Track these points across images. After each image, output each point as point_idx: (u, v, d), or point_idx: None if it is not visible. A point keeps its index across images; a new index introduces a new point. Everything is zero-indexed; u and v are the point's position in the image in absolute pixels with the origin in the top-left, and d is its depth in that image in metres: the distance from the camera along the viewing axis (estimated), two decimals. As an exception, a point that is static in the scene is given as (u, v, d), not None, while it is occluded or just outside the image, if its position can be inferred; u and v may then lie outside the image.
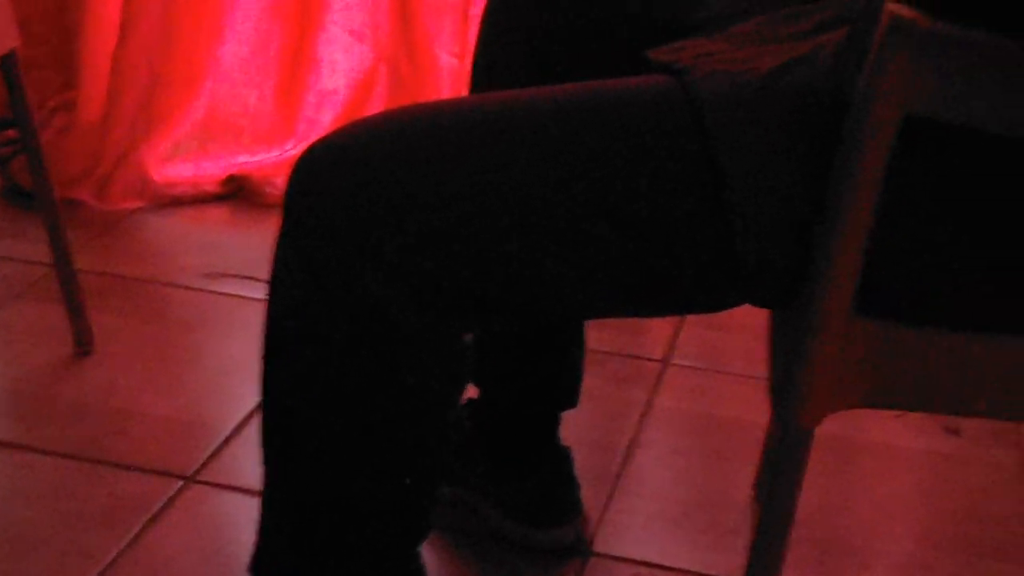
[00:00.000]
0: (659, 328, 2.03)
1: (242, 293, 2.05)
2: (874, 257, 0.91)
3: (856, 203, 0.88)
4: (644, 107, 0.94)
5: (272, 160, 2.41)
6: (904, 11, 0.82)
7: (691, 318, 2.05)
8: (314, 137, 1.05)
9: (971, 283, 0.93)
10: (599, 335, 1.84)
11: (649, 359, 1.95)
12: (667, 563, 1.49)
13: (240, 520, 1.49)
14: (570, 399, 1.46)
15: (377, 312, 0.92)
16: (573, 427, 1.52)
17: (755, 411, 1.66)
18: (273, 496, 1.03)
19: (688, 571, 1.48)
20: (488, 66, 1.31)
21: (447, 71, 2.32)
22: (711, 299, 0.97)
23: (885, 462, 1.75)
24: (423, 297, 0.92)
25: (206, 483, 1.57)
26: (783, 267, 0.92)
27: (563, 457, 1.47)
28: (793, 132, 0.91)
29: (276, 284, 0.96)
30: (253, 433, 1.64)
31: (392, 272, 0.90)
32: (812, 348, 0.92)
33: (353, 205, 0.91)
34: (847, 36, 0.94)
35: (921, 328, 0.95)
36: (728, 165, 0.89)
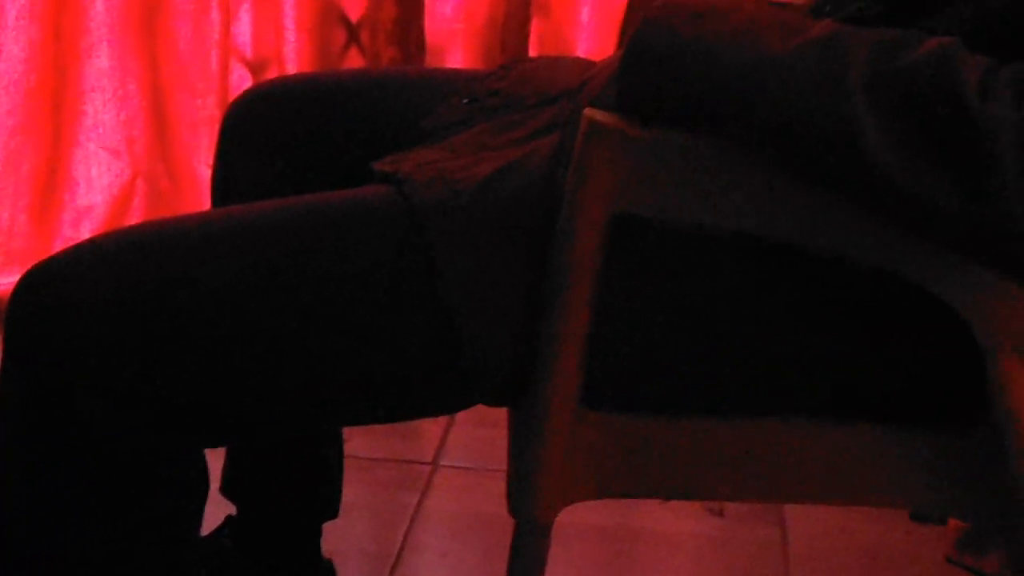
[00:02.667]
0: (429, 430, 2.03)
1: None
2: (597, 350, 0.94)
3: (572, 300, 0.91)
4: (366, 218, 0.96)
5: (29, 281, 2.34)
6: (600, 115, 0.86)
7: (460, 417, 2.06)
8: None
9: (692, 370, 0.97)
10: (367, 441, 1.83)
11: (419, 462, 1.95)
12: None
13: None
14: (330, 509, 1.45)
15: (103, 436, 0.90)
16: (343, 537, 1.50)
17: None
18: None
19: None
20: (226, 180, 1.31)
21: (207, 184, 2.30)
22: (443, 401, 0.98)
23: (654, 548, 1.78)
24: (152, 418, 0.91)
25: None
26: (509, 366, 0.94)
27: (325, 570, 1.45)
28: (510, 235, 0.94)
29: None
30: None
31: (116, 395, 0.89)
32: (541, 442, 0.94)
33: (74, 328, 0.90)
34: (558, 140, 0.98)
35: (649, 417, 0.98)
36: (447, 270, 0.92)
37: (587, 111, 0.87)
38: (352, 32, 2.19)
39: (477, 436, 2.02)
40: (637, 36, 0.87)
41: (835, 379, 0.98)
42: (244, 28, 2.22)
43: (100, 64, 2.26)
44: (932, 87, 0.78)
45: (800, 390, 0.98)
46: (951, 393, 0.98)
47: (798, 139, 0.82)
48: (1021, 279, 0.81)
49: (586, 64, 1.20)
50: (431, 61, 2.17)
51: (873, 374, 0.97)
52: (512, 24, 2.18)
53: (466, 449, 1.99)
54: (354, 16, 2.18)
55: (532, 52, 2.20)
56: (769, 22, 0.86)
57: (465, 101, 1.18)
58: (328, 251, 0.94)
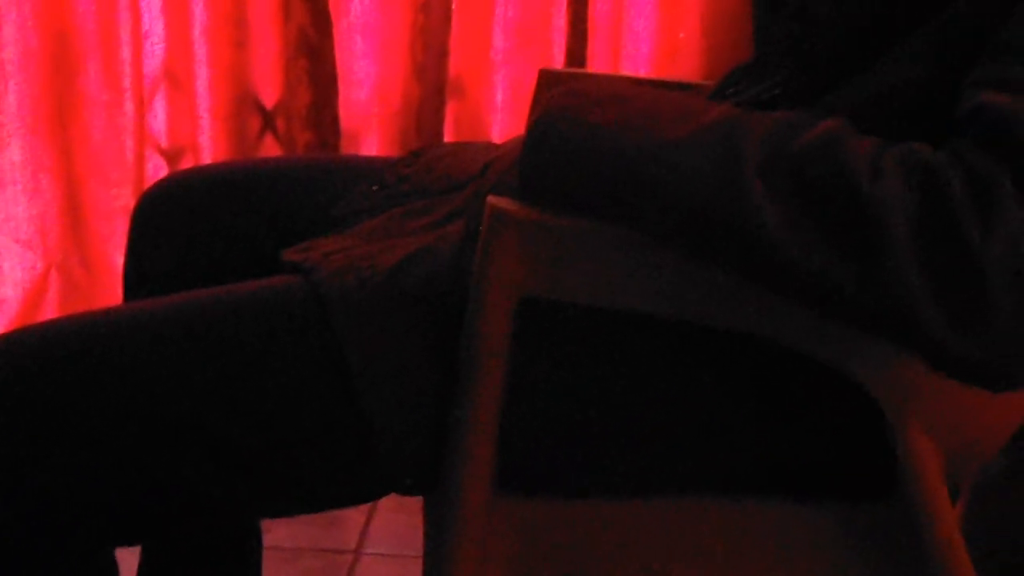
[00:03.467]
0: (351, 517, 2.01)
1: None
2: (511, 434, 0.94)
3: (482, 386, 0.91)
4: (275, 309, 0.95)
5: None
6: (503, 203, 0.87)
7: (382, 503, 2.05)
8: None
9: (605, 451, 0.97)
10: (289, 531, 1.81)
11: (342, 551, 1.92)
12: None
13: None
14: (251, 602, 1.43)
15: (10, 540, 0.89)
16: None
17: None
18: None
19: None
20: (138, 270, 1.30)
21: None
22: (358, 491, 0.97)
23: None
24: (58, 518, 0.89)
25: None
26: (420, 455, 0.94)
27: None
28: (420, 324, 0.94)
29: None
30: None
31: (18, 494, 0.88)
32: (454, 530, 0.94)
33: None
34: (465, 226, 0.98)
35: (564, 501, 0.98)
36: (356, 361, 0.91)
37: (490, 198, 0.88)
38: (267, 118, 2.20)
39: (400, 522, 2.01)
40: (538, 123, 0.88)
41: (748, 455, 0.98)
42: (159, 117, 2.22)
43: (12, 157, 2.24)
44: (824, 170, 0.80)
45: (713, 467, 0.98)
46: (864, 466, 0.99)
47: (697, 223, 0.83)
48: (919, 354, 0.82)
49: (495, 149, 1.21)
50: (346, 146, 2.18)
51: (785, 449, 0.98)
52: (427, 107, 2.19)
53: (389, 536, 1.97)
54: (269, 103, 2.19)
55: (448, 134, 2.22)
56: (668, 108, 0.87)
57: (375, 188, 1.18)
58: (237, 345, 0.93)
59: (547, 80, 1.33)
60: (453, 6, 2.14)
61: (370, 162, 1.27)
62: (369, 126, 2.21)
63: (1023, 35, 0.84)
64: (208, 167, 1.38)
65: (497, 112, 2.23)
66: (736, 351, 0.95)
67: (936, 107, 0.88)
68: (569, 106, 0.88)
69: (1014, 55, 0.83)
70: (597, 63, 2.21)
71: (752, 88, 1.06)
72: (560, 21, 2.18)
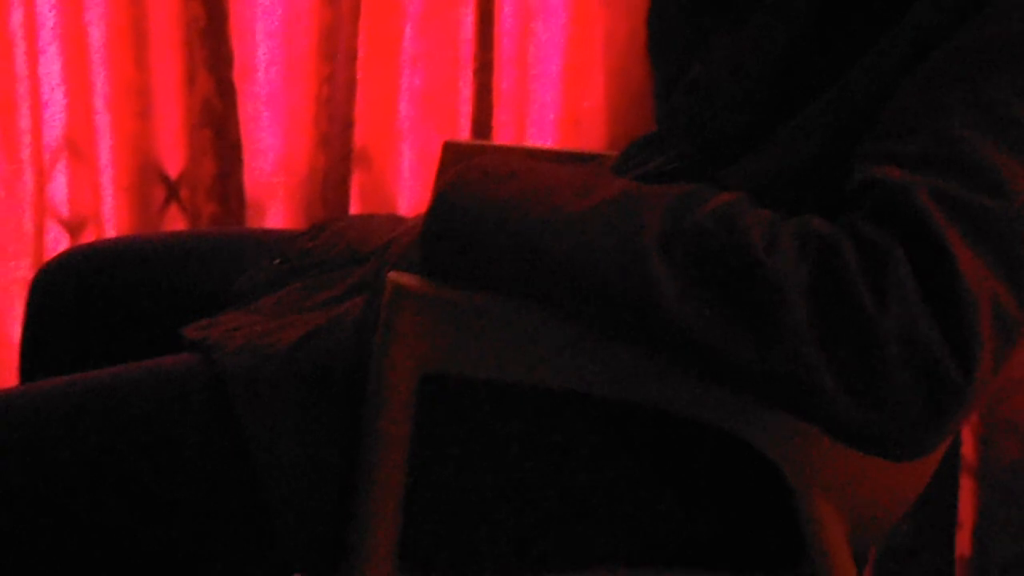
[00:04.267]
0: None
1: None
2: (415, 512, 0.93)
3: (385, 464, 0.90)
4: (174, 390, 0.94)
5: None
6: (404, 279, 0.87)
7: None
8: None
9: (507, 526, 0.97)
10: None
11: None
12: None
13: None
14: None
15: None
16: None
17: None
18: None
19: None
20: (36, 345, 1.28)
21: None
22: (258, 573, 0.95)
23: None
24: None
25: None
26: (323, 535, 0.92)
27: None
28: (320, 401, 0.93)
29: None
30: None
31: None
32: (359, 612, 0.92)
33: None
34: (367, 302, 0.98)
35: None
36: (256, 441, 0.90)
37: (391, 274, 0.87)
38: (171, 189, 2.18)
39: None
40: (438, 199, 0.88)
41: (654, 528, 0.98)
42: (60, 188, 2.19)
43: (-93, 231, 2.20)
44: (721, 243, 0.81)
45: (619, 541, 0.98)
46: (774, 535, 1.00)
47: (597, 297, 0.84)
48: (819, 425, 0.83)
49: (398, 221, 1.21)
50: (252, 216, 2.16)
51: (689, 520, 0.98)
52: (333, 177, 2.19)
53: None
54: (173, 173, 2.17)
55: (354, 205, 2.22)
56: (568, 183, 0.88)
57: (277, 262, 1.18)
58: (135, 428, 0.92)
59: (451, 152, 1.34)
60: (358, 76, 2.15)
61: (273, 235, 1.26)
62: (274, 196, 2.20)
63: (911, 109, 0.86)
64: (109, 241, 1.36)
65: (404, 181, 2.23)
66: (642, 423, 0.95)
67: (830, 180, 0.89)
68: (469, 182, 0.88)
69: (903, 129, 0.85)
70: (503, 132, 2.23)
71: (653, 160, 1.07)
72: (466, 90, 2.20)
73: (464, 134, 2.21)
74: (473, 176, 0.88)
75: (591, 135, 2.30)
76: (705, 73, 1.04)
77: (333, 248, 1.15)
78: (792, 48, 0.96)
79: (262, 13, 2.09)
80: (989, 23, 0.86)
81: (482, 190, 0.87)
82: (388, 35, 2.15)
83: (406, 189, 2.24)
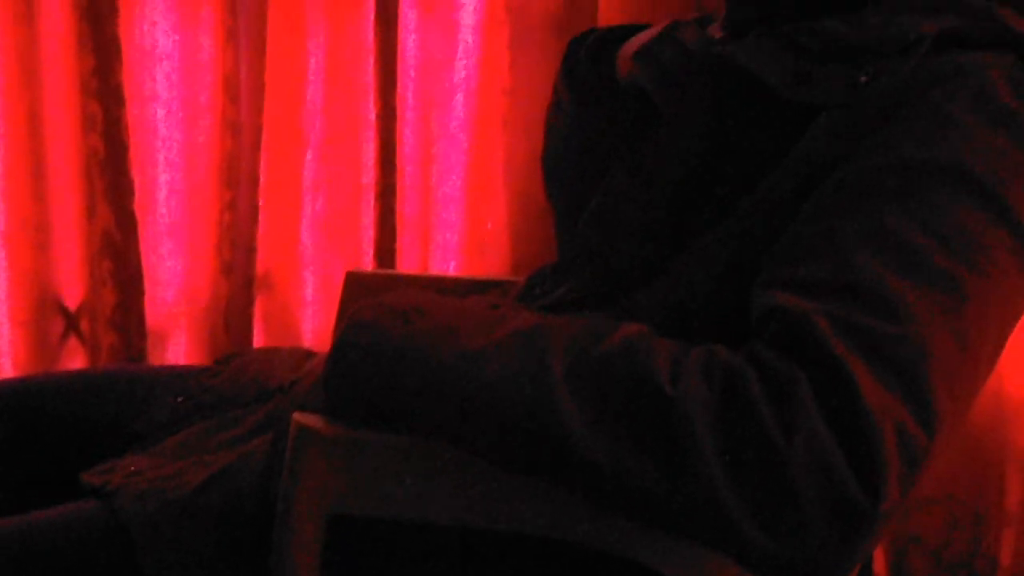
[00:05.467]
0: None
1: None
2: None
3: (294, 608, 0.88)
4: (75, 539, 0.92)
5: None
6: (309, 419, 0.86)
7: None
8: None
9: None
10: None
11: None
12: None
13: None
14: None
15: None
16: None
17: None
18: None
19: None
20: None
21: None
22: None
23: None
24: None
25: None
26: None
27: None
28: (226, 545, 0.91)
29: None
30: None
31: None
32: None
33: None
34: (272, 442, 0.96)
35: None
36: (160, 590, 0.88)
37: (296, 415, 0.86)
38: (71, 321, 2.14)
39: None
40: (341, 339, 0.87)
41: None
42: (-46, 322, 2.15)
43: None
44: (627, 374, 0.81)
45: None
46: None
47: (505, 433, 0.83)
48: (730, 555, 0.82)
49: (304, 355, 1.20)
50: (153, 346, 2.13)
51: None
52: (235, 304, 2.17)
53: None
54: (72, 304, 2.14)
55: (257, 331, 2.20)
56: (471, 318, 0.88)
57: (180, 399, 1.16)
58: (39, 573, 0.88)
59: (354, 283, 1.33)
60: (260, 203, 2.14)
61: (175, 371, 1.24)
62: (176, 325, 2.17)
63: (808, 236, 0.87)
64: (4, 381, 1.33)
65: (307, 307, 2.22)
66: (556, 557, 0.94)
67: (731, 309, 0.90)
68: (372, 320, 0.87)
69: (801, 256, 0.86)
70: (407, 257, 2.23)
71: (557, 289, 1.08)
72: (369, 215, 2.20)
73: (367, 259, 2.21)
74: (376, 314, 0.88)
75: (495, 256, 2.32)
76: (604, 205, 1.05)
77: (237, 383, 1.13)
78: (688, 181, 0.97)
79: (163, 143, 2.09)
80: (881, 150, 0.88)
81: (385, 328, 0.86)
82: (290, 161, 2.16)
83: (310, 315, 2.23)
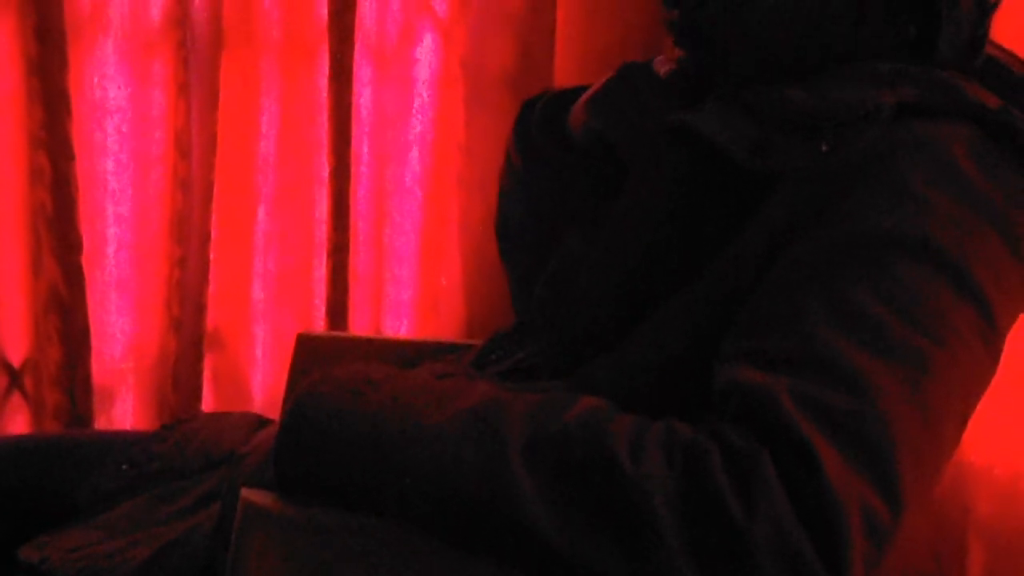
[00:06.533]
0: None
1: None
2: None
3: None
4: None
5: None
6: (257, 496, 0.83)
7: None
8: None
9: None
10: None
11: None
12: None
13: None
14: None
15: None
16: None
17: None
18: None
19: None
20: None
21: None
22: None
23: None
24: None
25: None
26: None
27: None
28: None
29: None
30: None
31: None
32: None
33: None
34: (219, 515, 0.93)
35: None
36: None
37: (244, 491, 0.83)
38: (14, 377, 2.09)
39: None
40: (291, 414, 0.84)
41: None
42: None
43: None
44: (585, 451, 0.79)
45: None
46: None
47: (461, 511, 0.80)
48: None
49: (253, 421, 1.17)
50: (99, 404, 2.09)
51: None
52: (184, 361, 2.14)
53: None
54: (16, 359, 2.09)
55: (206, 389, 2.16)
56: (425, 392, 0.85)
57: (125, 467, 1.12)
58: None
59: (305, 345, 1.31)
60: (211, 258, 2.11)
61: (120, 436, 1.21)
62: (123, 383, 2.13)
63: (770, 309, 0.86)
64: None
65: (257, 365, 2.19)
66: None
67: (691, 380, 0.88)
68: (323, 394, 0.85)
69: (763, 329, 0.85)
70: (359, 313, 2.21)
71: (513, 355, 1.06)
72: (320, 272, 2.18)
73: (319, 316, 2.19)
74: (327, 388, 0.85)
75: (448, 312, 2.30)
76: (560, 270, 1.04)
77: (184, 451, 1.10)
78: (649, 249, 0.96)
79: (112, 198, 2.06)
80: (843, 221, 0.87)
81: (337, 403, 0.84)
82: (241, 217, 2.14)
83: (260, 373, 2.20)
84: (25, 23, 1.92)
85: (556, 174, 1.17)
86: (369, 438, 0.82)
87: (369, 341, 1.51)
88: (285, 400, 0.89)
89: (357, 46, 2.14)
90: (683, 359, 0.91)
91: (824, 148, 0.90)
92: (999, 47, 1.02)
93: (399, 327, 2.27)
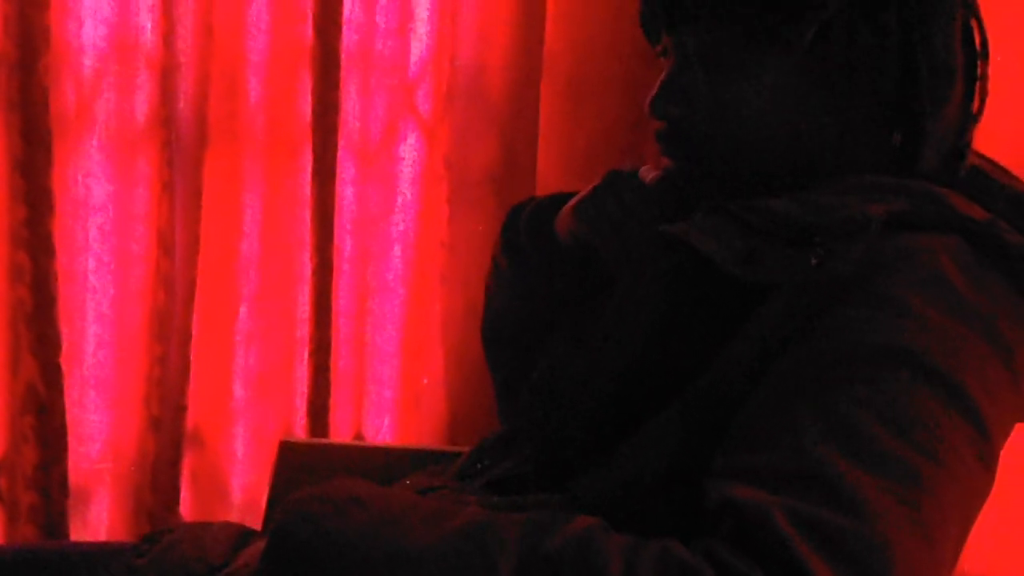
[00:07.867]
0: None
1: None
2: None
3: None
4: None
5: None
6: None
7: None
8: None
9: None
10: None
11: None
12: None
13: None
14: None
15: None
16: None
17: None
18: None
19: None
20: None
21: None
22: None
23: None
24: None
25: None
26: None
27: None
28: None
29: None
30: None
31: None
32: None
33: None
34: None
35: None
36: None
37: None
38: (-10, 478, 2.06)
39: None
40: (278, 531, 0.83)
41: None
42: None
43: None
44: (579, 573, 0.77)
45: None
46: None
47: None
48: None
49: (236, 533, 1.14)
50: (75, 505, 2.05)
51: None
52: (163, 460, 2.11)
53: None
54: (-8, 464, 2.05)
55: (185, 488, 2.13)
56: (414, 511, 0.84)
57: (103, 583, 1.09)
58: None
59: (288, 453, 1.29)
60: (192, 357, 2.09)
61: (98, 549, 1.18)
62: (100, 483, 2.10)
63: (761, 423, 0.85)
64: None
65: (237, 464, 2.16)
66: None
67: (682, 495, 0.87)
68: (311, 512, 0.83)
69: (755, 444, 0.84)
70: (340, 412, 2.19)
71: (502, 463, 1.04)
72: (302, 370, 2.16)
73: (300, 415, 2.16)
74: (313, 507, 0.83)
75: (430, 411, 2.28)
76: (546, 378, 1.03)
77: (163, 567, 1.08)
78: (636, 359, 0.95)
79: (92, 295, 2.04)
80: (834, 335, 0.86)
81: (323, 522, 0.82)
82: (223, 316, 2.12)
83: (240, 473, 2.17)
84: (11, 122, 1.91)
85: (542, 279, 1.16)
86: (355, 560, 0.80)
87: (352, 448, 1.49)
88: (268, 516, 0.87)
89: (341, 144, 2.14)
90: (674, 470, 0.90)
91: (814, 261, 0.89)
92: (983, 156, 1.02)
93: (380, 425, 2.25)
